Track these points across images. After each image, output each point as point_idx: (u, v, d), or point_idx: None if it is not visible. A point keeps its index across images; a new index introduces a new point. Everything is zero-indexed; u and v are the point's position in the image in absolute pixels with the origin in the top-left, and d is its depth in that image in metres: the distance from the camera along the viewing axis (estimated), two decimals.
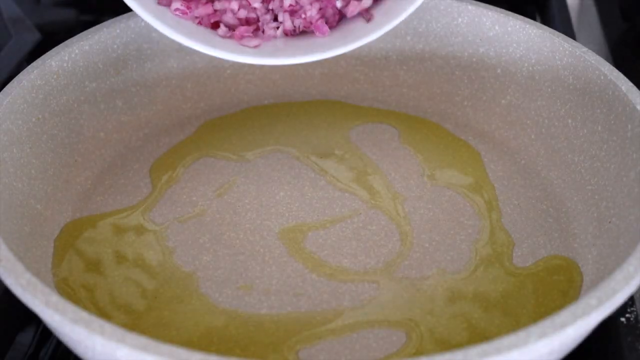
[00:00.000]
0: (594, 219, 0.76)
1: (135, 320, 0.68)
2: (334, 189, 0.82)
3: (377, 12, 0.78)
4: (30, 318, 0.67)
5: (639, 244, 0.61)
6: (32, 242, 0.72)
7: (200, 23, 0.77)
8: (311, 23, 0.75)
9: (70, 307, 0.54)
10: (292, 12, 0.76)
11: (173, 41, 0.90)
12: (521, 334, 0.51)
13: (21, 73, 0.78)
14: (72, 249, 0.74)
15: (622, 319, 0.67)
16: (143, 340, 0.51)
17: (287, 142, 0.89)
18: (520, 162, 0.86)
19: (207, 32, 0.76)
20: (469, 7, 0.90)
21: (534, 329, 0.52)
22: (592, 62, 0.79)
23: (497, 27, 0.88)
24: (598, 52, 0.82)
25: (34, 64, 0.79)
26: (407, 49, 0.94)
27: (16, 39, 1.05)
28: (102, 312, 0.68)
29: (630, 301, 0.69)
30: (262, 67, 0.96)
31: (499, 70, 0.90)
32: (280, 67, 0.96)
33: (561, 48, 0.83)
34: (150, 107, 0.91)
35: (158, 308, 0.69)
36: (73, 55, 0.82)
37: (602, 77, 0.78)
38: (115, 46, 0.86)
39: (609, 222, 0.73)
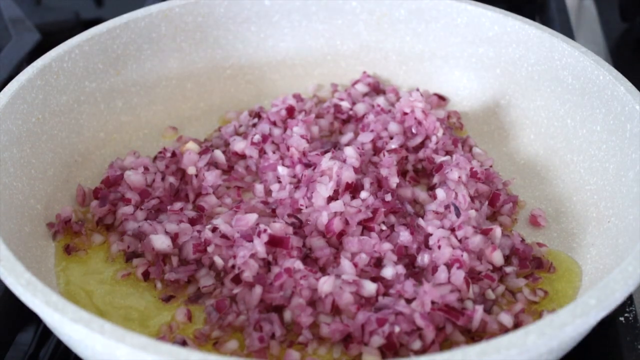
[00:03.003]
0: (593, 218, 0.76)
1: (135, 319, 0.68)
2: None
3: None
4: (30, 318, 0.67)
5: (637, 243, 0.61)
6: (32, 242, 0.72)
7: None
8: None
9: (70, 307, 0.54)
10: None
11: (173, 41, 0.91)
12: (520, 333, 0.51)
13: (21, 73, 0.78)
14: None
15: (621, 319, 0.68)
16: (143, 340, 0.51)
17: None
18: (519, 162, 0.86)
19: None
20: (468, 7, 0.90)
21: (533, 328, 0.52)
22: (591, 62, 0.79)
23: (496, 28, 0.88)
24: (597, 53, 0.82)
25: (34, 64, 0.79)
26: (407, 49, 0.95)
27: (16, 39, 1.05)
28: (103, 313, 0.68)
29: (629, 301, 0.69)
30: (261, 67, 0.96)
31: (498, 71, 0.90)
32: (280, 67, 0.96)
33: (560, 48, 0.83)
34: (150, 107, 0.91)
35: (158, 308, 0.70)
36: (73, 56, 0.82)
37: (601, 77, 0.78)
38: (115, 46, 0.86)
39: (608, 222, 0.73)
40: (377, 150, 0.83)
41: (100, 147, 0.85)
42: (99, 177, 0.83)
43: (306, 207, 0.74)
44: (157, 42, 0.90)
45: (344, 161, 0.77)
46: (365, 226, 0.73)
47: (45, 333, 0.75)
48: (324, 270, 0.71)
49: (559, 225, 0.78)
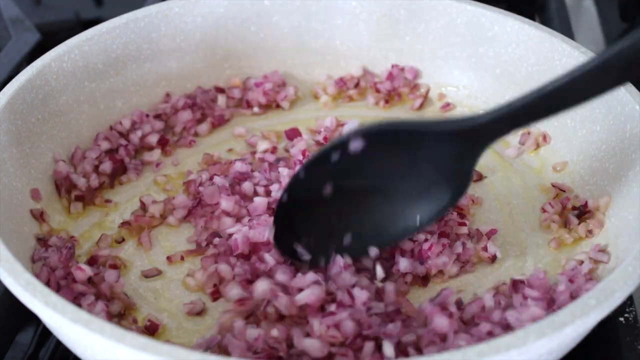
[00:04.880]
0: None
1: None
2: None
3: None
4: (30, 318, 0.67)
5: (637, 244, 0.61)
6: (32, 242, 0.72)
7: None
8: None
9: (69, 307, 0.54)
10: None
11: (172, 41, 0.91)
12: (520, 334, 0.51)
13: (21, 73, 0.78)
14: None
15: (621, 319, 0.67)
16: (142, 340, 0.51)
17: None
18: (519, 162, 0.86)
19: None
20: (468, 7, 0.89)
21: (533, 329, 0.52)
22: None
23: (496, 27, 0.88)
24: (597, 53, 0.82)
25: (33, 64, 0.79)
26: (407, 49, 0.94)
27: (16, 39, 1.05)
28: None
29: (629, 301, 0.69)
30: (261, 67, 0.96)
31: (497, 71, 0.90)
32: (280, 67, 0.96)
33: (560, 48, 0.83)
34: (150, 107, 0.90)
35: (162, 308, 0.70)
36: (73, 56, 0.82)
37: None
38: (114, 46, 0.86)
39: (608, 222, 0.73)
40: None
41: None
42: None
43: None
44: (156, 42, 0.89)
45: None
46: None
47: (45, 333, 0.75)
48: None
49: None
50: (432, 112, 0.93)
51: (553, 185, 0.79)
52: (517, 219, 0.78)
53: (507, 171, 0.84)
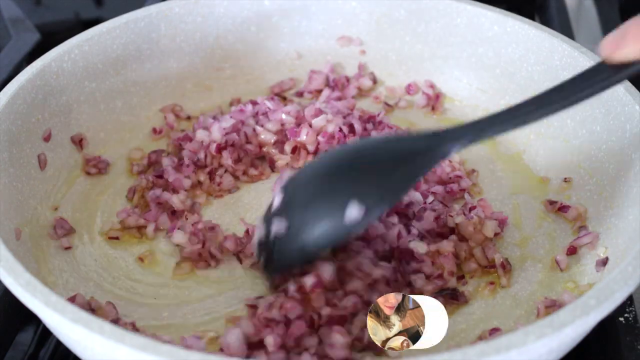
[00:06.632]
0: (592, 219, 0.76)
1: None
2: None
3: None
4: (30, 318, 0.67)
5: (637, 243, 0.61)
6: (32, 242, 0.72)
7: None
8: None
9: (69, 307, 0.54)
10: None
11: (172, 41, 0.91)
12: (520, 334, 0.51)
13: (21, 73, 0.78)
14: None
15: (621, 319, 0.67)
16: (142, 340, 0.51)
17: None
18: (519, 162, 0.86)
19: None
20: (468, 7, 0.90)
21: (533, 329, 0.52)
22: (591, 62, 0.79)
23: (496, 28, 0.88)
24: (597, 52, 0.82)
25: (33, 64, 0.79)
26: (406, 49, 0.94)
27: (16, 39, 1.05)
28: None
29: (629, 301, 0.69)
30: (261, 67, 0.96)
31: (497, 71, 0.90)
32: (280, 67, 0.96)
33: (560, 48, 0.83)
34: (150, 107, 0.91)
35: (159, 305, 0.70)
36: (73, 56, 0.82)
37: None
38: (115, 46, 0.86)
39: (608, 222, 0.73)
40: None
41: (100, 147, 0.85)
42: (98, 177, 0.83)
43: None
44: (156, 42, 0.89)
45: None
46: None
47: (45, 333, 0.75)
48: None
49: (559, 226, 0.78)
50: (430, 113, 0.93)
51: (550, 203, 0.79)
52: (517, 219, 0.78)
53: (508, 171, 0.84)
